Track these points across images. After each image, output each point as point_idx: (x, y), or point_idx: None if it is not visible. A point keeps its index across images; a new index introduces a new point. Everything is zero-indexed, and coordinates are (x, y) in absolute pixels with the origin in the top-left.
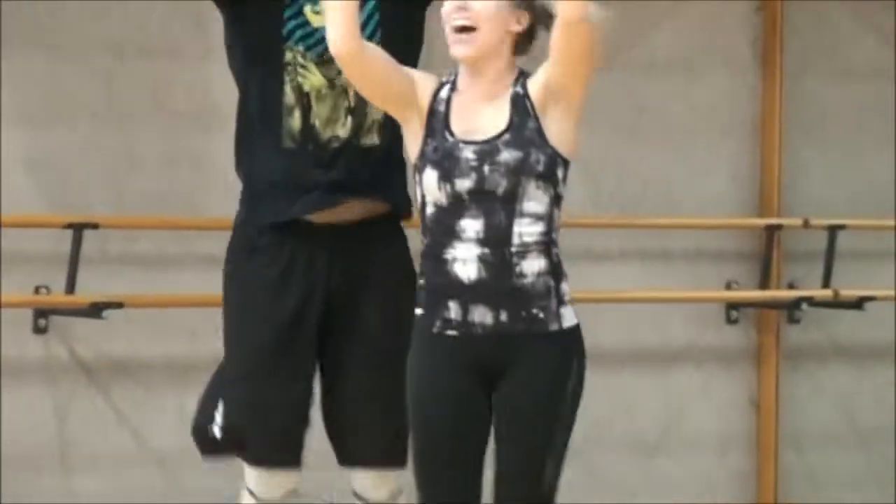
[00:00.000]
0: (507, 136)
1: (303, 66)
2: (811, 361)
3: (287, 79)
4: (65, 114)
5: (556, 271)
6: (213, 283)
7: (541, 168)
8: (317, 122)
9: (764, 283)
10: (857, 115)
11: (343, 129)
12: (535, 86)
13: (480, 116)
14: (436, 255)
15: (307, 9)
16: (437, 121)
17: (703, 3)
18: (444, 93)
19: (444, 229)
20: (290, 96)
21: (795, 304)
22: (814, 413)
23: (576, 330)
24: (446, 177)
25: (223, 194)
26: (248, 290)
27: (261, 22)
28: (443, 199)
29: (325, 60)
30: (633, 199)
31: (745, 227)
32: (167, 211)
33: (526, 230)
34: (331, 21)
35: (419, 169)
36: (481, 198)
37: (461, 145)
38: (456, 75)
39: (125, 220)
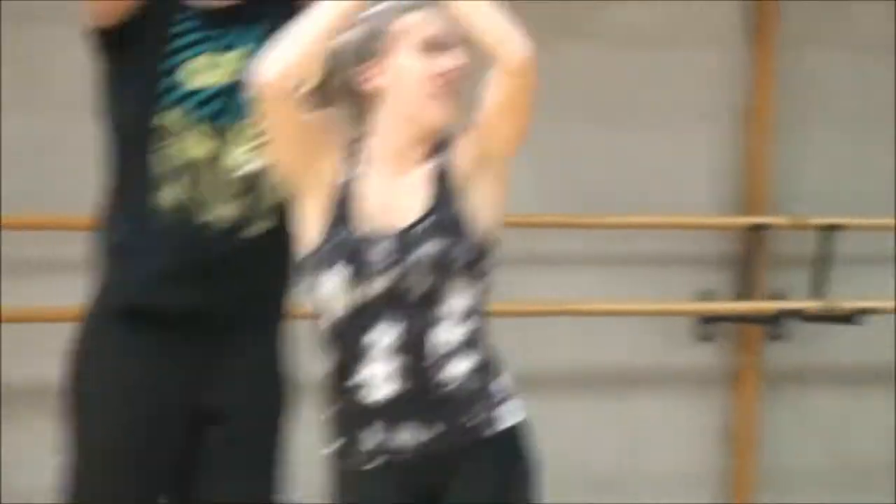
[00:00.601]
0: (426, 224)
1: (179, 132)
2: (797, 385)
3: (156, 147)
4: None
5: (486, 369)
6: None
7: (468, 261)
8: (196, 200)
9: (744, 294)
10: (862, 96)
11: (229, 211)
12: (461, 158)
13: (395, 198)
14: (344, 380)
15: (191, 62)
16: (340, 206)
17: None
18: (351, 167)
19: (350, 344)
20: (160, 168)
21: (780, 318)
22: (800, 447)
23: (516, 430)
24: (355, 279)
25: None
26: (100, 384)
27: (135, 73)
28: (349, 306)
29: (209, 125)
30: (592, 193)
31: (724, 227)
32: None
33: (449, 333)
34: (287, 49)
35: (316, 269)
36: (396, 301)
37: (372, 238)
38: (362, 141)
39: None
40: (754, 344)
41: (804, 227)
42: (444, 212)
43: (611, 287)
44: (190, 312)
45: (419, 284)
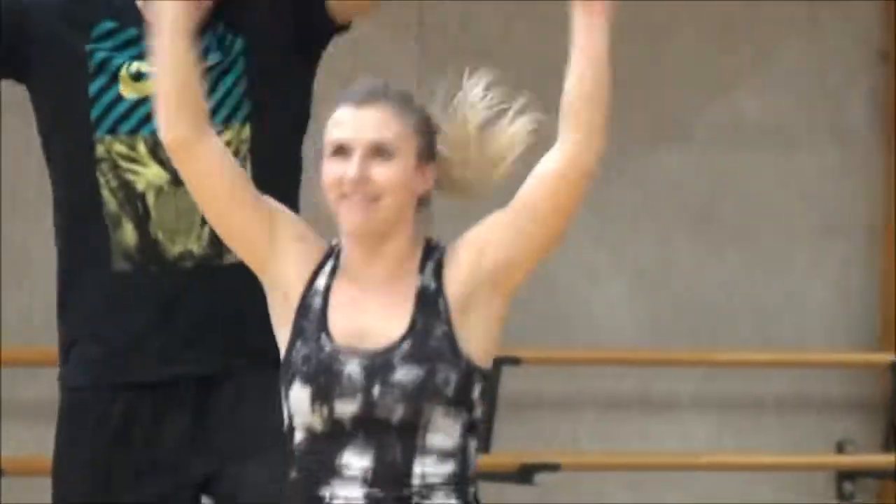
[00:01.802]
0: (405, 347)
1: (129, 158)
2: None
3: (103, 178)
4: None
5: None
6: None
7: (451, 391)
8: (159, 234)
9: (889, 444)
10: None
11: (197, 243)
12: (457, 273)
13: (371, 314)
14: (308, 494)
15: (123, 73)
16: (311, 316)
17: (798, 48)
18: (324, 275)
19: (318, 463)
20: (111, 201)
21: None
22: None
23: None
24: (323, 397)
25: None
26: (69, 467)
27: (60, 101)
28: (317, 425)
29: (160, 143)
30: (706, 325)
31: (862, 364)
32: None
33: (430, 470)
34: (162, 101)
35: (284, 380)
36: (370, 427)
37: (343, 355)
38: (339, 248)
39: None
40: None
41: None
42: (425, 336)
43: (733, 435)
44: (167, 381)
45: (392, 413)
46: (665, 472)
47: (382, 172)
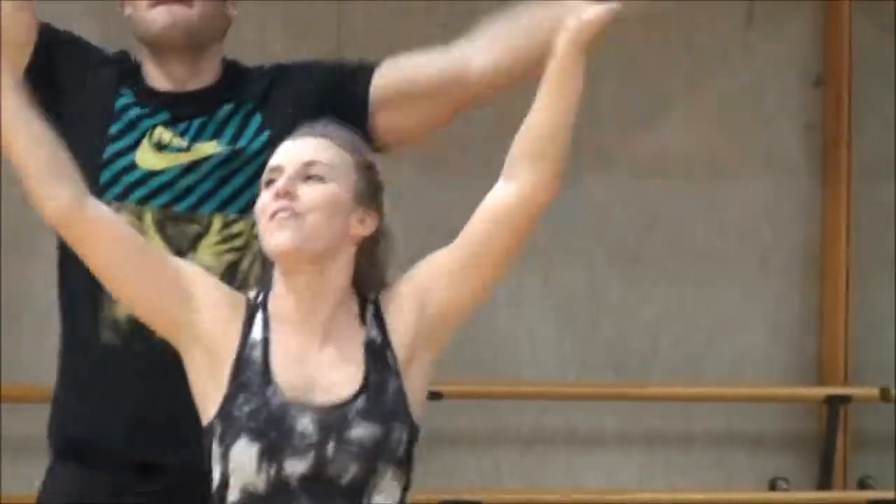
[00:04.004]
0: (360, 403)
1: (134, 228)
2: None
3: None
4: None
5: None
6: None
7: (401, 451)
8: None
9: (824, 482)
10: None
11: None
12: (400, 321)
13: (320, 366)
14: None
15: (145, 143)
16: (250, 369)
17: (729, 77)
18: (257, 326)
19: None
20: None
21: None
22: None
23: None
24: (272, 453)
25: None
26: None
27: (73, 150)
28: (259, 485)
29: (170, 218)
30: (636, 358)
31: (797, 398)
32: None
33: None
34: (18, 165)
35: (224, 437)
36: (317, 487)
37: (294, 410)
38: (266, 294)
39: None
40: None
41: (892, 400)
42: (380, 391)
43: (661, 473)
44: (157, 463)
45: (343, 472)
46: None
47: (309, 191)
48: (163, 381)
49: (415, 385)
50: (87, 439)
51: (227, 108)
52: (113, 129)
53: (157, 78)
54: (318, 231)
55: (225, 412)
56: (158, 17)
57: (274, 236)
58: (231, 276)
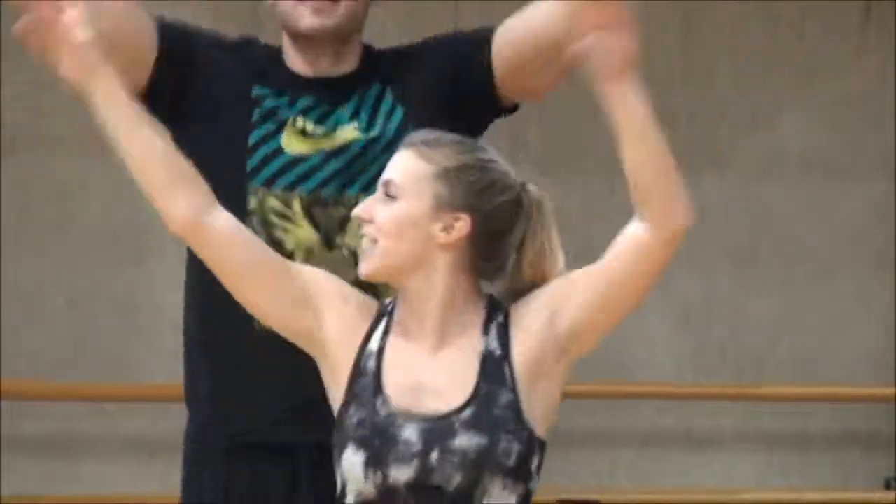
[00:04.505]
0: (468, 413)
1: (281, 215)
2: None
3: (255, 232)
4: None
5: None
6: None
7: (511, 462)
8: None
9: None
10: None
11: None
12: (527, 338)
13: (430, 376)
14: None
15: (289, 126)
16: (364, 379)
17: (843, 79)
18: (377, 335)
19: None
20: None
21: None
22: None
23: None
24: (376, 462)
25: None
26: None
27: (216, 143)
28: (369, 491)
29: (318, 203)
30: (751, 359)
31: None
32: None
33: None
34: (140, 180)
35: (337, 446)
36: (424, 494)
37: (400, 419)
38: (394, 305)
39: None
40: None
41: None
42: (489, 403)
43: (778, 472)
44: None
45: (448, 480)
46: None
47: (383, 212)
48: (306, 365)
49: (537, 402)
50: (261, 429)
51: (365, 92)
52: (255, 116)
53: (300, 64)
54: (388, 252)
55: (339, 420)
56: (306, 14)
57: (360, 266)
58: None
